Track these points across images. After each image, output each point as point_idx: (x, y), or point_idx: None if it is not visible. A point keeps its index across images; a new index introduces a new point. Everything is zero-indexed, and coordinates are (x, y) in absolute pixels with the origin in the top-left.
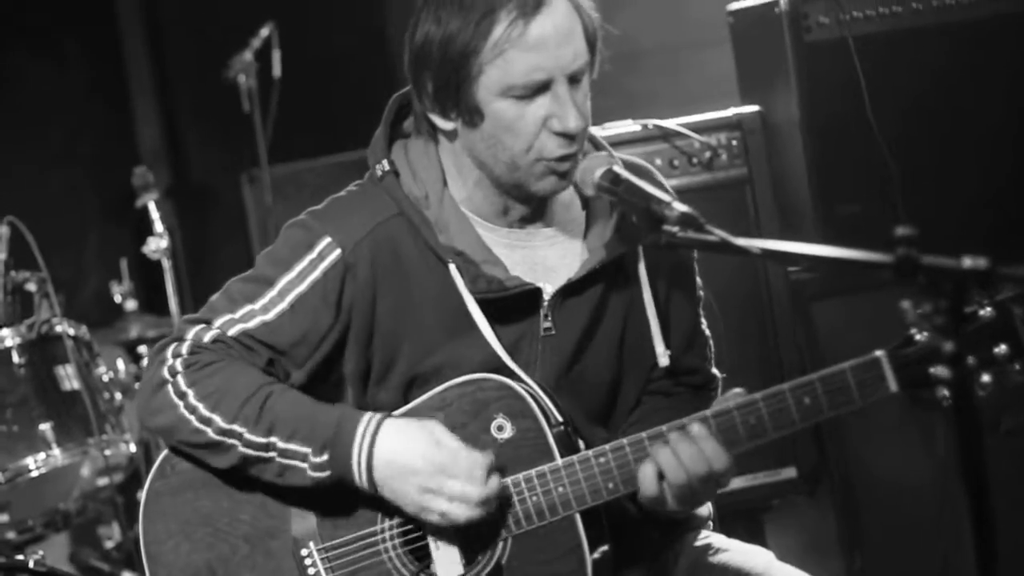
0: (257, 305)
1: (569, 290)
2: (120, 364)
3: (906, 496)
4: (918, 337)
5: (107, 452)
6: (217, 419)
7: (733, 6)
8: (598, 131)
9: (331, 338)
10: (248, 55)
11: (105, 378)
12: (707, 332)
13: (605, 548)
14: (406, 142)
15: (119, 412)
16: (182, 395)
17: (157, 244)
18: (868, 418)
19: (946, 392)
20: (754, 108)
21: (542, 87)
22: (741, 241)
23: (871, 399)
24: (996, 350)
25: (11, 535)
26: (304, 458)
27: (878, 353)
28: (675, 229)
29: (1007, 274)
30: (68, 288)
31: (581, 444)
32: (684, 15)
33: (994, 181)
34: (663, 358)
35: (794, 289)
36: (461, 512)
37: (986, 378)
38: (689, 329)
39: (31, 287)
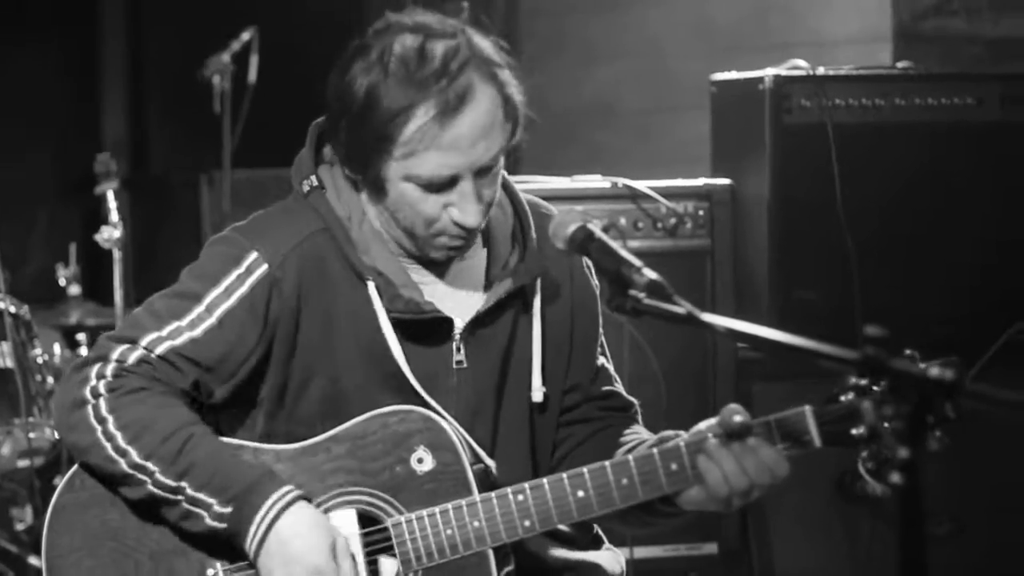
0: (184, 321)
1: (478, 322)
2: (56, 348)
3: None
4: (843, 397)
5: (31, 435)
6: (132, 453)
7: (717, 76)
8: (566, 183)
9: (257, 352)
10: (226, 57)
11: (40, 360)
12: (609, 366)
13: (509, 569)
14: (331, 166)
15: (48, 396)
16: (102, 420)
17: (110, 233)
18: (793, 505)
19: (867, 468)
20: (725, 181)
21: (449, 181)
22: (707, 317)
23: (793, 452)
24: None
25: None
26: (208, 507)
27: (804, 408)
28: (641, 295)
29: (974, 390)
30: (12, 264)
31: (498, 485)
32: (663, 77)
33: (954, 281)
34: (536, 393)
35: (740, 367)
36: None
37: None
38: (592, 356)
39: None
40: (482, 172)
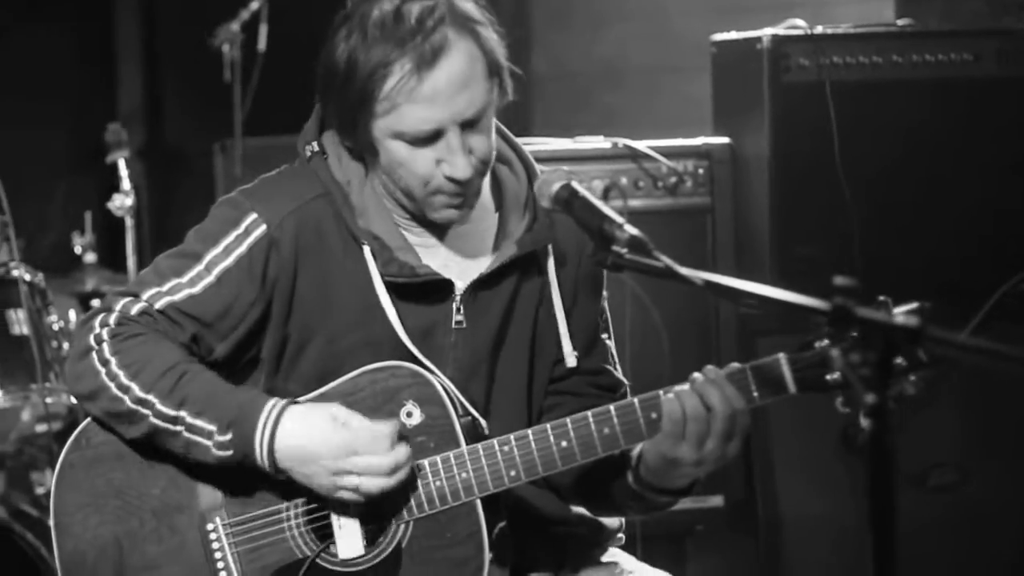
0: (184, 279)
1: (481, 284)
2: (72, 315)
3: (830, 535)
4: (817, 344)
5: (48, 400)
6: (135, 388)
7: (717, 37)
8: (569, 143)
9: (255, 311)
10: (235, 25)
11: (55, 327)
12: (609, 343)
13: (502, 524)
14: (335, 132)
15: (64, 362)
16: (105, 362)
17: (122, 201)
18: (798, 456)
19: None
20: (724, 140)
21: (434, 135)
22: (685, 271)
23: (768, 399)
24: (894, 362)
25: None
26: (209, 435)
27: (779, 355)
28: (623, 250)
29: (937, 336)
30: (30, 234)
31: (488, 434)
32: (669, 38)
33: (952, 238)
34: (570, 358)
35: (742, 322)
36: (374, 484)
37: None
38: (591, 333)
39: None
40: (468, 125)
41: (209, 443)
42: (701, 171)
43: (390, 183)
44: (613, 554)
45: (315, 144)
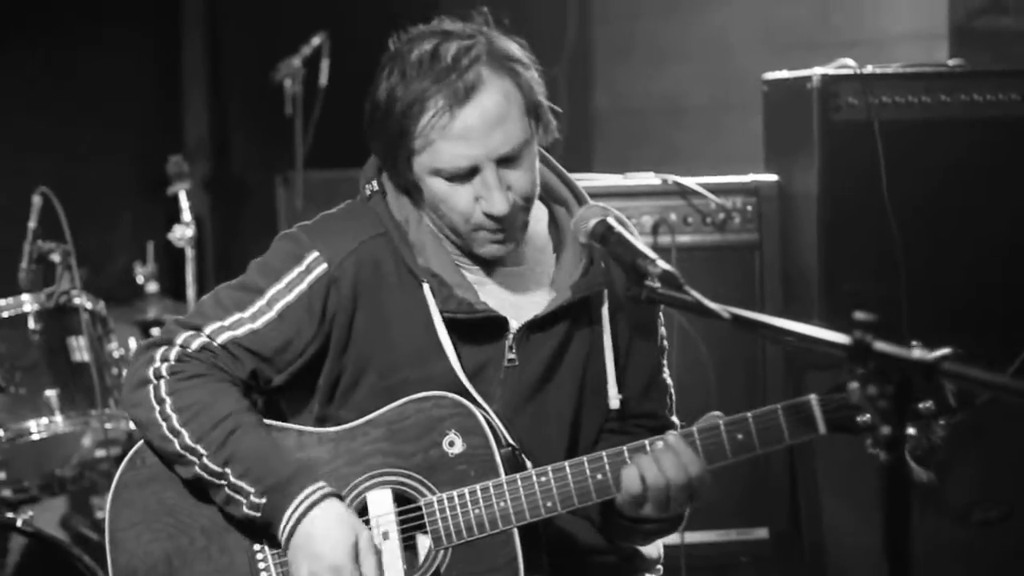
0: (246, 314)
1: (534, 326)
2: (132, 342)
3: (874, 565)
4: (850, 385)
5: (107, 425)
6: (185, 435)
7: (768, 75)
8: (619, 179)
9: (313, 346)
10: (297, 61)
11: (116, 354)
12: (668, 381)
13: (542, 554)
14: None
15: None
16: (160, 400)
17: (182, 232)
18: (844, 488)
19: (913, 455)
20: (772, 177)
21: (470, 172)
22: (713, 305)
23: (800, 439)
24: (923, 406)
25: (7, 493)
26: (246, 495)
27: (810, 396)
28: (656, 285)
29: (951, 370)
30: (95, 264)
31: (529, 466)
32: (728, 75)
33: (1000, 276)
34: (614, 400)
35: (789, 357)
36: None
37: (911, 431)
38: (647, 375)
39: (55, 258)
40: (505, 162)
41: (244, 502)
42: (749, 208)
43: (436, 219)
44: None
45: (375, 183)
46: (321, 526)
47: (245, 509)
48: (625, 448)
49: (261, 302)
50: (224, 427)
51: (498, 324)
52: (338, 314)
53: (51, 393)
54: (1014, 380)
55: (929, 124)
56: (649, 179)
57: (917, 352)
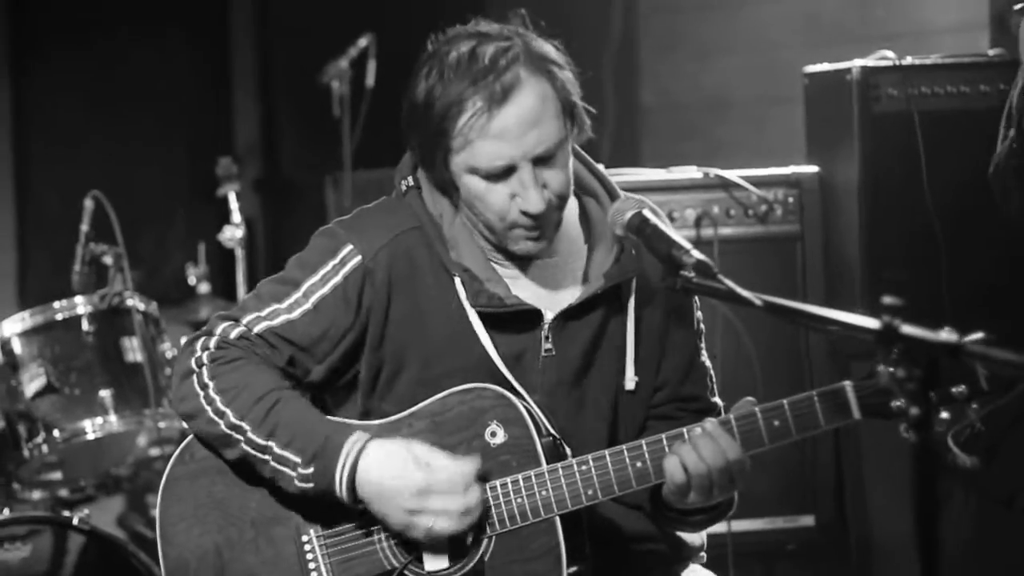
0: (283, 304)
1: (569, 315)
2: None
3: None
4: (879, 368)
5: (161, 424)
6: (229, 414)
7: (809, 68)
8: (663, 174)
9: (350, 337)
10: (344, 62)
11: (168, 354)
12: (707, 364)
13: (582, 567)
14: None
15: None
16: (204, 386)
17: (232, 233)
18: (890, 477)
19: (956, 441)
20: (813, 168)
21: (507, 171)
22: (746, 293)
23: (835, 424)
24: (955, 390)
25: (64, 493)
26: (294, 467)
27: (844, 383)
28: (691, 275)
29: (975, 351)
30: (150, 266)
31: (569, 454)
32: (774, 69)
33: None
34: (630, 382)
35: (833, 346)
36: (444, 525)
37: (944, 415)
38: (687, 360)
39: (108, 260)
40: (541, 161)
41: (293, 474)
42: (791, 199)
43: (472, 216)
44: (693, 570)
45: (410, 179)
46: (377, 470)
47: (297, 483)
48: (663, 436)
49: (297, 294)
50: (265, 402)
51: (532, 316)
52: (374, 305)
53: (105, 393)
54: None
55: (969, 114)
56: (691, 173)
57: (943, 335)
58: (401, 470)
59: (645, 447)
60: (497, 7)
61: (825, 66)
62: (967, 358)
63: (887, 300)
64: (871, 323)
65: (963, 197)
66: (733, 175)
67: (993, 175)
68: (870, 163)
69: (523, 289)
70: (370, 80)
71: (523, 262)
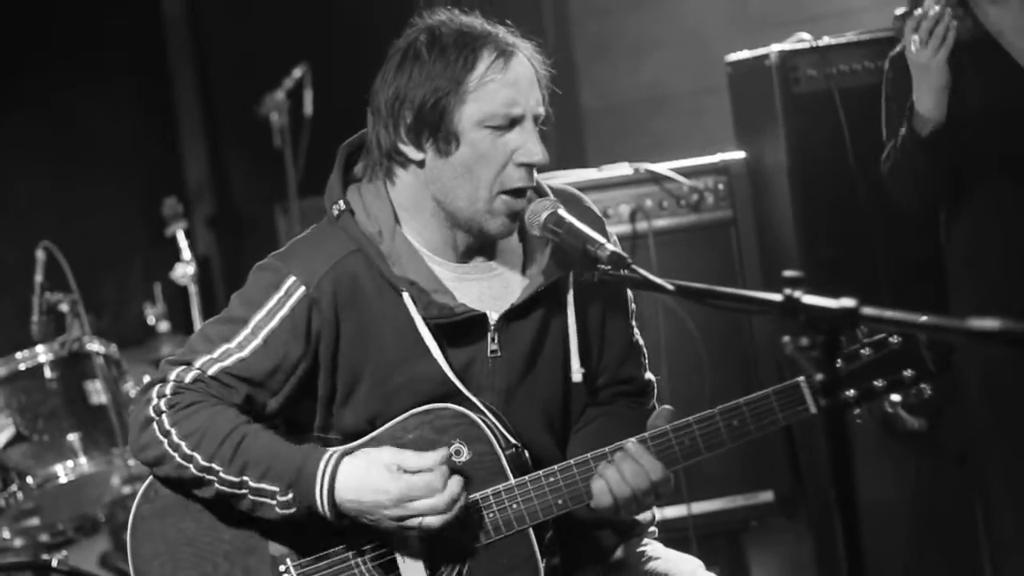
0: (233, 344)
1: (513, 314)
2: (146, 380)
3: (880, 520)
4: (783, 340)
5: (131, 462)
6: (198, 457)
7: (730, 57)
8: (594, 173)
9: (302, 366)
10: (280, 94)
11: (132, 394)
12: (640, 341)
13: (556, 560)
14: (359, 185)
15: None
16: (166, 433)
17: (184, 270)
18: None
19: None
20: (740, 154)
21: (515, 121)
22: (658, 280)
23: (793, 420)
24: (906, 373)
25: (44, 537)
26: (272, 496)
27: (799, 379)
28: (607, 267)
29: (870, 315)
30: (111, 310)
31: (530, 462)
32: (707, 61)
33: None
34: (576, 374)
35: (777, 326)
36: (435, 522)
37: (895, 397)
38: (624, 342)
39: (64, 307)
40: (535, 122)
41: (273, 502)
42: (721, 186)
43: (452, 191)
44: (644, 544)
45: (341, 203)
46: (355, 489)
47: (278, 510)
48: (589, 455)
49: (246, 331)
50: (231, 440)
51: (479, 320)
52: (323, 332)
53: (73, 437)
54: (930, 319)
55: None
56: (623, 169)
57: (841, 302)
58: (377, 483)
59: (609, 455)
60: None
61: (745, 53)
62: (862, 322)
63: (787, 274)
64: (774, 297)
65: None
66: (662, 168)
67: (889, 173)
68: (796, 144)
69: (467, 294)
70: (308, 109)
71: (465, 264)
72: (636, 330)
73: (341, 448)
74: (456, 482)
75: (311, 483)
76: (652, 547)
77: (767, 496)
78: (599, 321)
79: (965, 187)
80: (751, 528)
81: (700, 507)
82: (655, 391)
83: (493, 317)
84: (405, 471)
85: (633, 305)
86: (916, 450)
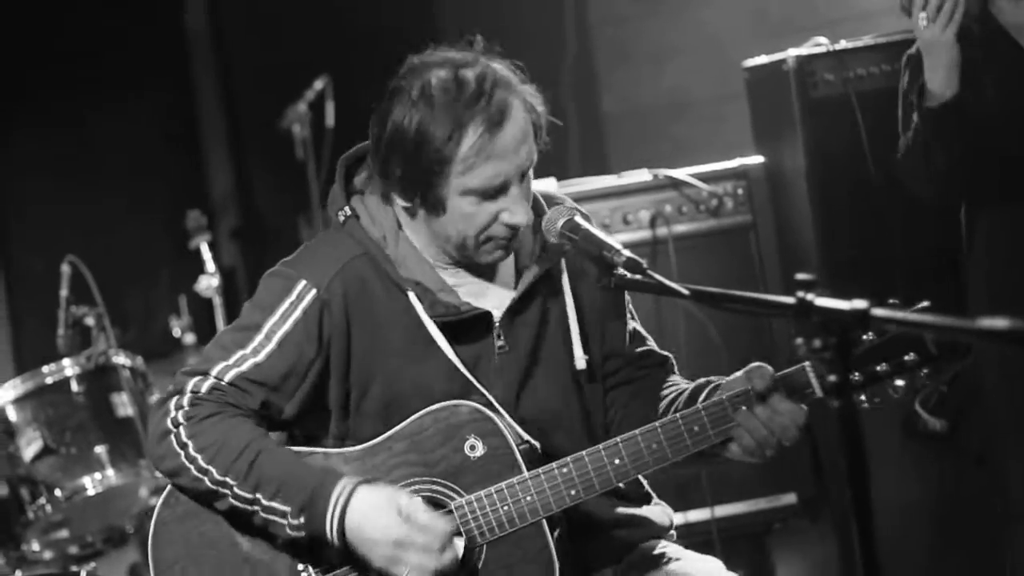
0: (248, 349)
1: (514, 310)
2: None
3: (901, 518)
4: (796, 341)
5: (157, 473)
6: (213, 471)
7: (748, 63)
8: (614, 180)
9: (316, 368)
10: (302, 106)
11: None
12: (639, 327)
13: (559, 531)
14: (362, 196)
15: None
16: (183, 446)
17: (208, 282)
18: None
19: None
20: (758, 159)
21: (500, 188)
22: (674, 285)
23: (802, 402)
24: (907, 358)
25: (73, 550)
26: (284, 516)
27: (805, 364)
28: (623, 272)
29: (881, 316)
30: (138, 323)
31: (543, 458)
32: (727, 66)
33: None
34: (580, 361)
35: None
36: None
37: (899, 382)
38: (624, 324)
39: (89, 321)
40: (524, 175)
41: (284, 522)
42: (740, 191)
43: (440, 236)
44: (663, 546)
45: (347, 209)
46: (363, 517)
47: (288, 531)
48: (637, 432)
49: (260, 336)
50: (246, 456)
51: (483, 318)
52: (335, 334)
53: (100, 449)
54: (940, 320)
55: None
56: (642, 176)
57: (853, 304)
58: (385, 521)
59: (620, 443)
60: (451, 34)
61: (763, 59)
62: (873, 323)
63: (800, 276)
64: (787, 300)
65: None
66: (681, 174)
67: (903, 159)
68: (814, 148)
69: (469, 295)
70: (330, 120)
71: (466, 269)
72: (634, 320)
73: (354, 463)
74: (451, 555)
75: (323, 509)
76: (671, 548)
77: (790, 498)
78: (597, 305)
79: (985, 183)
80: (774, 530)
81: (723, 510)
82: (675, 366)
83: (496, 315)
84: (416, 522)
85: (628, 297)
86: (938, 452)
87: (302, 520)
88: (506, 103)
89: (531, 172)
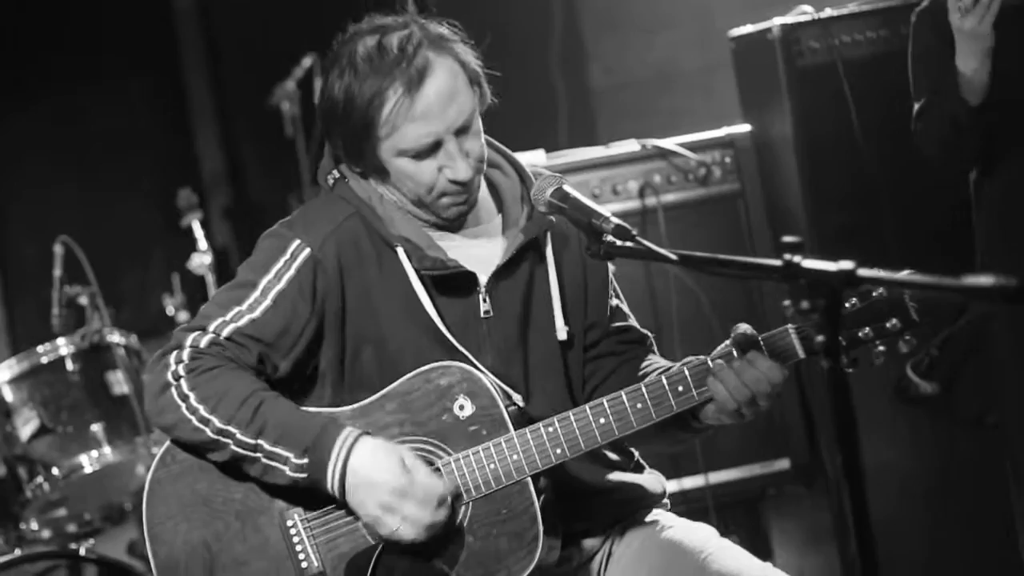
0: (244, 306)
1: (500, 275)
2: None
3: (895, 483)
4: (784, 303)
5: (154, 450)
6: (215, 420)
7: (734, 32)
8: (602, 151)
9: (310, 327)
10: (291, 84)
11: None
12: (622, 304)
13: (545, 496)
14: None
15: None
16: (184, 397)
17: (200, 260)
18: (859, 413)
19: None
20: (746, 127)
21: (433, 146)
22: (662, 250)
23: (786, 364)
24: (888, 324)
25: (72, 528)
26: (285, 460)
27: (787, 326)
28: (612, 239)
29: (868, 276)
30: (132, 302)
31: (537, 415)
32: (716, 37)
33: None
34: (561, 332)
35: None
36: (408, 532)
37: (880, 348)
38: (606, 297)
39: (83, 300)
40: (461, 132)
41: (285, 467)
42: (728, 160)
43: (401, 195)
44: (656, 514)
45: (335, 172)
46: (367, 462)
47: (289, 473)
48: (622, 392)
49: (256, 293)
50: (250, 404)
51: (469, 279)
52: (328, 292)
53: (97, 427)
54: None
55: (891, 56)
56: (630, 146)
57: (839, 264)
58: (389, 467)
59: (607, 403)
60: (440, 10)
61: (748, 28)
62: (859, 282)
63: (786, 239)
64: (775, 262)
65: (894, 137)
66: (669, 143)
67: (924, 131)
68: (801, 116)
69: (455, 255)
70: (318, 98)
71: (452, 231)
72: (616, 297)
73: (348, 417)
74: (444, 512)
75: (328, 450)
76: (664, 516)
77: (783, 464)
78: (580, 276)
79: (999, 148)
80: (768, 496)
81: (717, 477)
82: (654, 344)
83: (483, 278)
84: (415, 476)
85: (612, 275)
86: (931, 416)
87: (305, 461)
88: (427, 64)
89: (477, 125)
